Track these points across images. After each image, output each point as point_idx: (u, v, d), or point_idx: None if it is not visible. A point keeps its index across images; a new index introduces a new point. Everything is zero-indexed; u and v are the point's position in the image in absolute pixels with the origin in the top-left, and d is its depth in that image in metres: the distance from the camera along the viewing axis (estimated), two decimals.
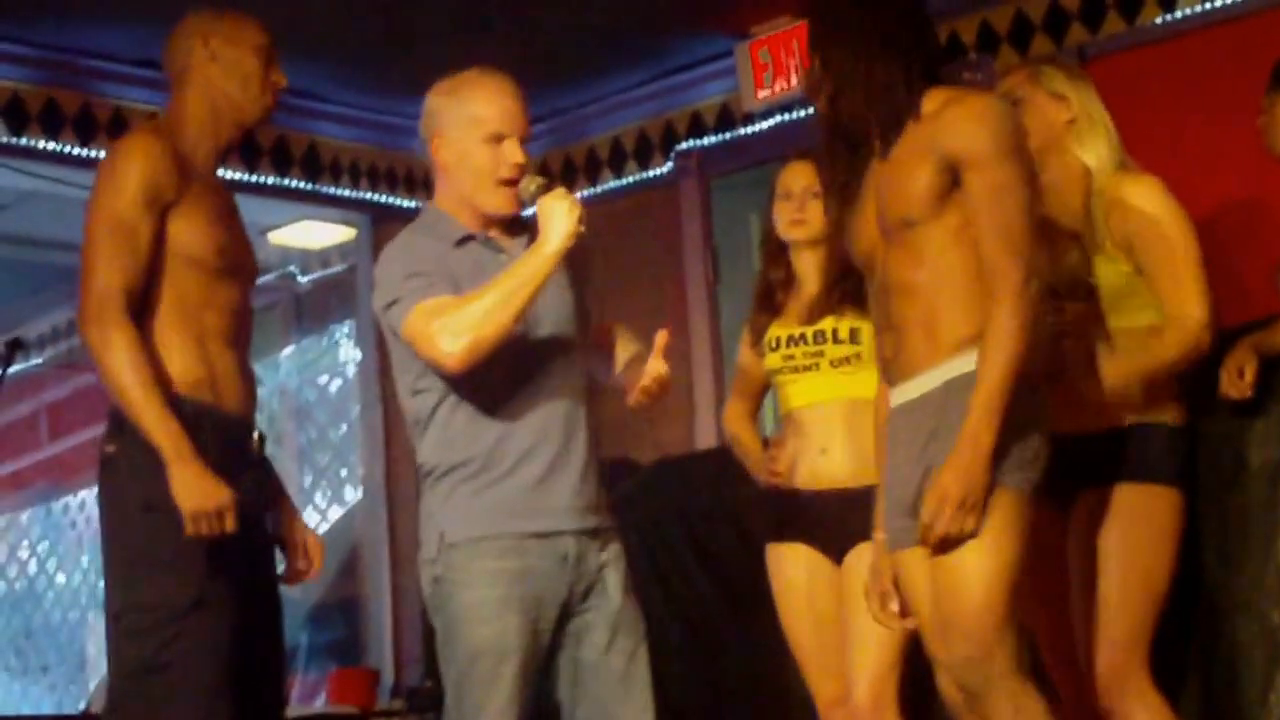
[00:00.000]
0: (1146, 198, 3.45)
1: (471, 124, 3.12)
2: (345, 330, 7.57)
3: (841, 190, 3.13)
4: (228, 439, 3.17)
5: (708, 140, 6.22)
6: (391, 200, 6.66)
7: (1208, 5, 4.87)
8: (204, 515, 2.98)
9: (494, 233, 3.16)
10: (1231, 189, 4.63)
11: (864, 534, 3.39)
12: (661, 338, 3.13)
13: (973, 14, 5.29)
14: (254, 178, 6.03)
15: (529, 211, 3.15)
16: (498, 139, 3.11)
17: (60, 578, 9.13)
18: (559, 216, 3.00)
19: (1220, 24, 4.85)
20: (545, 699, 3.15)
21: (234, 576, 3.10)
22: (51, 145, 5.69)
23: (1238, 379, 3.51)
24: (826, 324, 3.71)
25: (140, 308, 3.13)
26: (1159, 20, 4.96)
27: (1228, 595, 3.70)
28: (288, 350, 7.81)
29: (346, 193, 6.52)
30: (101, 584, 3.18)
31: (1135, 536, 3.37)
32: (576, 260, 3.14)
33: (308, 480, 7.70)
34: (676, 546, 4.90)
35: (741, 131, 6.09)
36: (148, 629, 3.05)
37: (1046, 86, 3.53)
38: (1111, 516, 3.39)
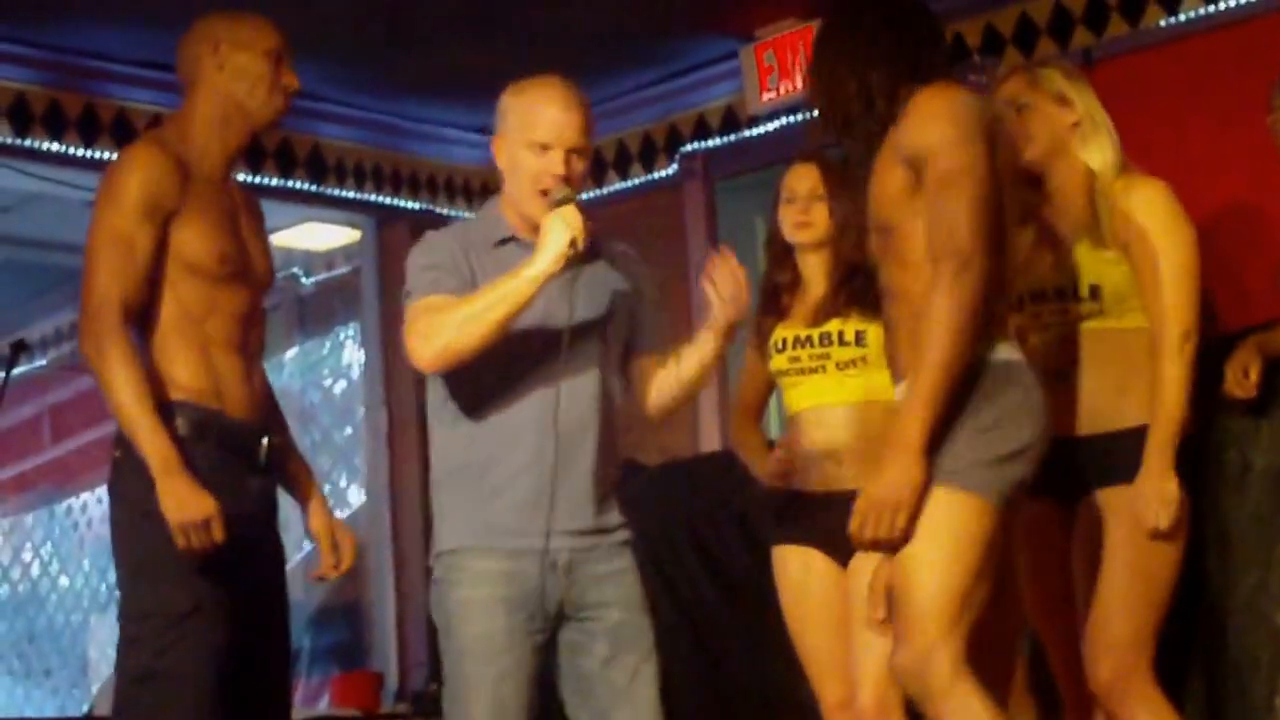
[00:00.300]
0: (1148, 205, 3.44)
1: (523, 129, 3.14)
2: (349, 332, 7.57)
3: (847, 192, 3.12)
4: (233, 445, 3.18)
5: (712, 142, 6.22)
6: (395, 202, 6.66)
7: (1211, 8, 4.87)
8: (190, 526, 2.99)
9: (537, 237, 3.14)
10: (1235, 191, 4.63)
11: None
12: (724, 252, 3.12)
13: (977, 16, 5.29)
14: (258, 180, 6.04)
15: None
16: (544, 148, 3.12)
17: (63, 580, 9.12)
18: (552, 236, 3.00)
19: (1224, 26, 4.85)
20: (555, 703, 3.15)
21: (234, 582, 3.10)
22: (55, 147, 5.69)
23: (1243, 379, 3.51)
24: (832, 326, 3.71)
25: (143, 316, 3.14)
26: (1163, 23, 4.96)
27: (1232, 598, 3.70)
28: (291, 352, 7.81)
29: (350, 195, 6.53)
30: (104, 587, 3.19)
31: (1139, 539, 3.36)
32: (628, 272, 3.19)
33: None
34: (681, 548, 4.90)
35: (746, 134, 6.09)
36: (146, 636, 3.07)
37: (1049, 90, 3.52)
38: (1115, 519, 3.38)
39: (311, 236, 7.08)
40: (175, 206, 3.13)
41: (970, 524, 2.74)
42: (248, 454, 3.21)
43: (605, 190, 6.48)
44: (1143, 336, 3.43)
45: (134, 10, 5.31)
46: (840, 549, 3.64)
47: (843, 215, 3.71)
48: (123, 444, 3.11)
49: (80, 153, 5.72)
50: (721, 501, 4.81)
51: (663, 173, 6.38)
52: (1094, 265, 3.46)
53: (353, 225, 6.94)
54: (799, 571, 3.73)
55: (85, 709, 7.00)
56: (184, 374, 3.14)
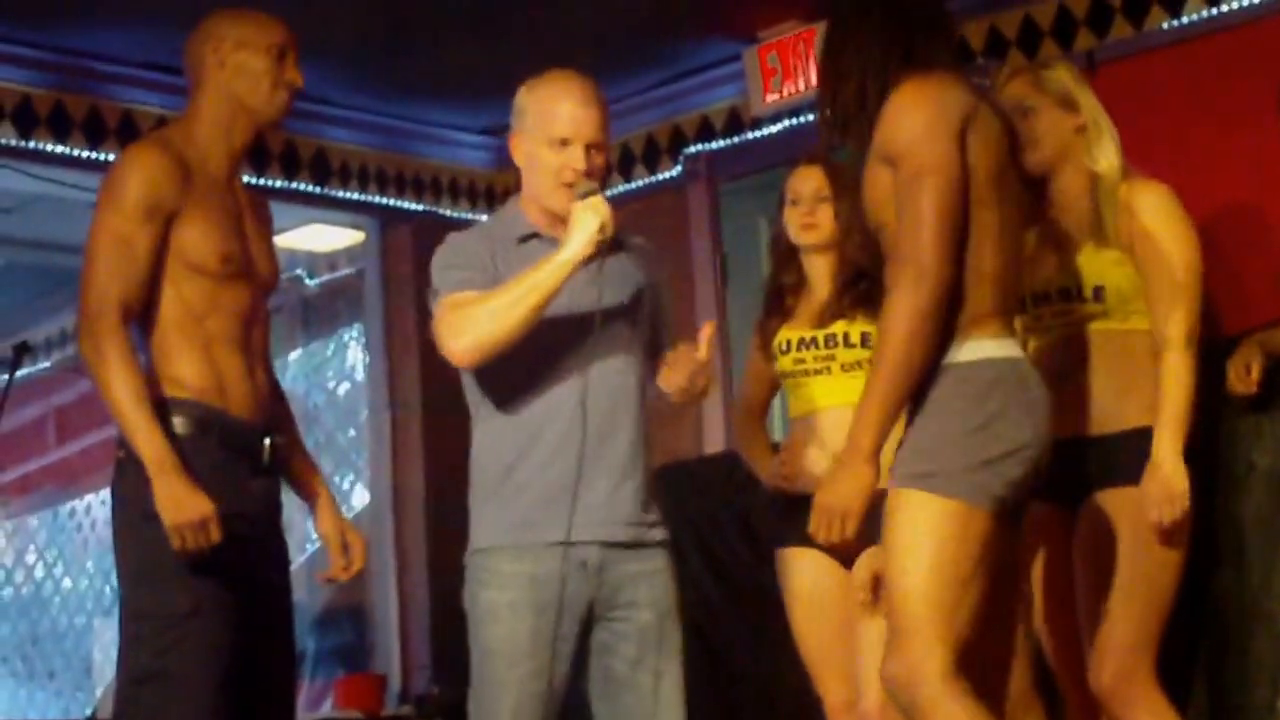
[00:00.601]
0: (1153, 208, 3.45)
1: (541, 125, 3.15)
2: (353, 334, 7.58)
3: (851, 194, 3.11)
4: (235, 444, 3.17)
5: (716, 144, 6.22)
6: (399, 204, 6.66)
7: (1214, 10, 4.87)
8: (186, 527, 2.98)
9: (560, 233, 3.14)
10: (1237, 193, 4.63)
11: (873, 538, 3.39)
12: (708, 328, 3.13)
13: (981, 18, 5.29)
14: (262, 181, 6.04)
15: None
16: (563, 142, 3.13)
17: (67, 583, 9.11)
18: (581, 225, 3.02)
19: (1227, 29, 4.85)
20: (581, 704, 3.15)
21: (237, 583, 3.09)
22: (60, 148, 5.69)
23: (1245, 376, 3.52)
24: (838, 328, 3.72)
25: (144, 315, 3.14)
26: (1166, 25, 4.96)
27: (1236, 600, 3.70)
28: (295, 354, 7.81)
29: (354, 196, 6.53)
30: (108, 589, 3.19)
31: (1142, 541, 3.36)
32: (648, 267, 3.19)
33: None
34: (685, 550, 4.89)
35: (750, 136, 6.09)
36: (147, 636, 3.06)
37: (1055, 92, 3.53)
38: (1118, 521, 3.38)
39: (316, 238, 7.07)
40: (176, 206, 3.13)
41: (955, 531, 2.68)
42: (250, 453, 3.20)
43: (609, 192, 6.45)
44: (1146, 338, 3.44)
45: (139, 12, 5.32)
46: (844, 550, 3.64)
47: (848, 217, 3.71)
48: (126, 444, 3.10)
49: (85, 155, 5.72)
50: (725, 503, 4.81)
51: (667, 174, 6.38)
52: (1097, 267, 3.46)
53: (357, 227, 6.94)
54: (803, 573, 3.73)
55: (89, 712, 7.00)
56: (186, 372, 3.13)
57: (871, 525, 3.20)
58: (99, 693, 7.43)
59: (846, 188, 3.68)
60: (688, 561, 4.88)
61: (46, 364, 8.47)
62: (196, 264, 3.15)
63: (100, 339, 3.06)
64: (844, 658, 3.67)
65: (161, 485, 3.00)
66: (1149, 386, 3.39)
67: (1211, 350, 3.53)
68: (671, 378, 3.12)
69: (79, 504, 8.96)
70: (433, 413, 6.59)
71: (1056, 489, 3.25)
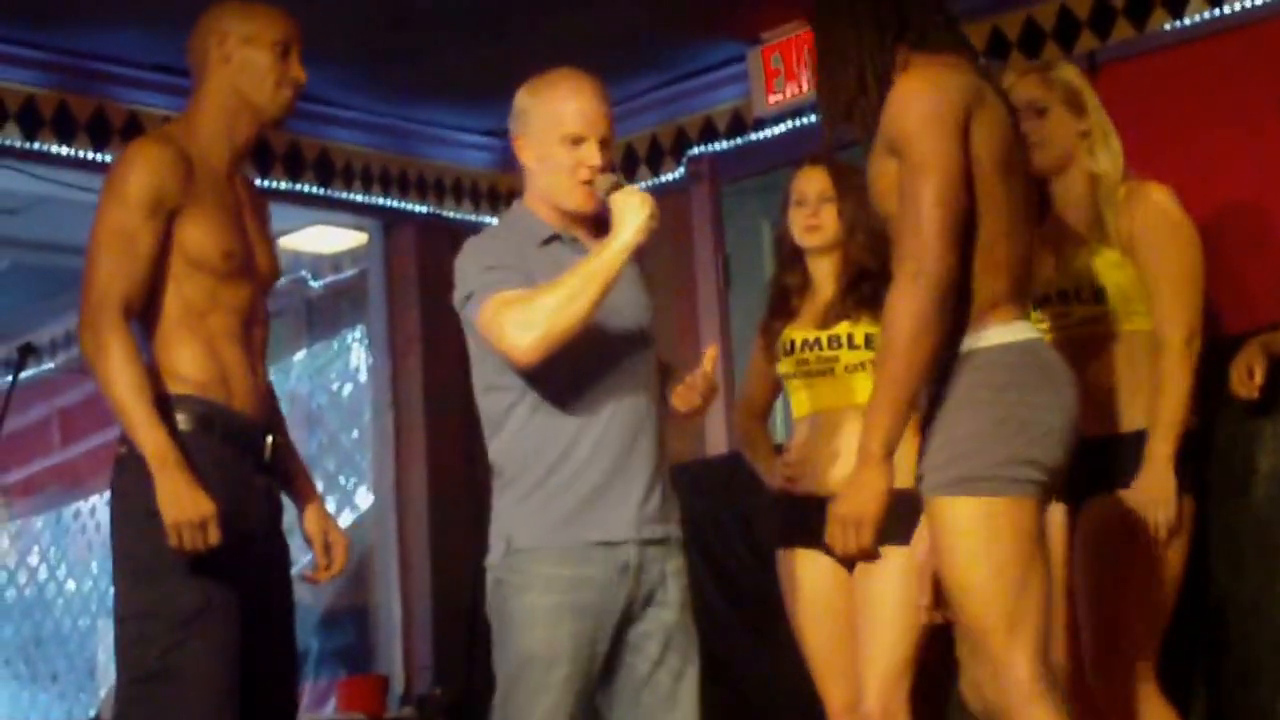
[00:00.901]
0: (1154, 209, 3.46)
1: (551, 125, 3.13)
2: (357, 335, 7.58)
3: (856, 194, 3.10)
4: (239, 439, 3.16)
5: (719, 145, 6.22)
6: (403, 205, 6.67)
7: (1217, 11, 4.87)
8: (185, 526, 2.97)
9: (578, 232, 3.16)
10: (1239, 195, 4.62)
11: (888, 538, 3.40)
12: (712, 350, 3.17)
13: (983, 20, 5.29)
14: (267, 183, 6.05)
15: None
16: (576, 140, 3.12)
17: (70, 584, 9.12)
18: (632, 211, 3.01)
19: (1229, 30, 4.85)
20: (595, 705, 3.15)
21: (243, 581, 3.08)
22: (65, 150, 5.68)
23: (1247, 379, 3.52)
24: (841, 329, 3.72)
25: (146, 311, 3.13)
26: (1168, 27, 4.95)
27: (1235, 601, 3.70)
28: (299, 355, 7.82)
29: (358, 198, 6.53)
30: (112, 590, 3.18)
31: (1143, 542, 3.36)
32: (644, 264, 3.16)
33: (319, 485, 7.70)
34: (687, 551, 4.89)
35: (753, 137, 6.09)
36: (154, 635, 3.03)
37: (1064, 94, 3.53)
38: (1119, 522, 3.38)
39: (319, 239, 7.08)
40: (179, 202, 3.11)
41: (1004, 531, 2.65)
42: (253, 450, 3.19)
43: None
44: (1147, 339, 3.44)
45: (144, 13, 5.32)
46: (860, 556, 3.64)
47: (852, 218, 3.71)
48: (128, 441, 3.09)
49: (90, 156, 5.72)
50: (726, 504, 4.81)
51: (670, 176, 6.37)
52: (1098, 268, 3.47)
53: (360, 228, 6.95)
54: (805, 575, 3.73)
55: (91, 714, 7.01)
56: (189, 367, 3.11)
57: (886, 525, 3.19)
58: (102, 695, 7.43)
59: (850, 188, 3.69)
60: (689, 562, 4.89)
61: (51, 365, 8.48)
62: (199, 260, 3.14)
63: (102, 333, 3.04)
64: (846, 659, 3.67)
65: (164, 481, 2.98)
66: (1150, 388, 3.40)
67: (1214, 352, 3.53)
68: (688, 397, 3.16)
69: (83, 505, 8.97)
70: (436, 414, 6.59)
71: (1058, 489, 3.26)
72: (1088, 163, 3.52)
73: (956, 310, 2.70)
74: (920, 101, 2.70)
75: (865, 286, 3.67)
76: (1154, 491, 3.31)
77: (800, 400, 3.80)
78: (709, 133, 6.24)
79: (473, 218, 6.73)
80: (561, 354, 2.99)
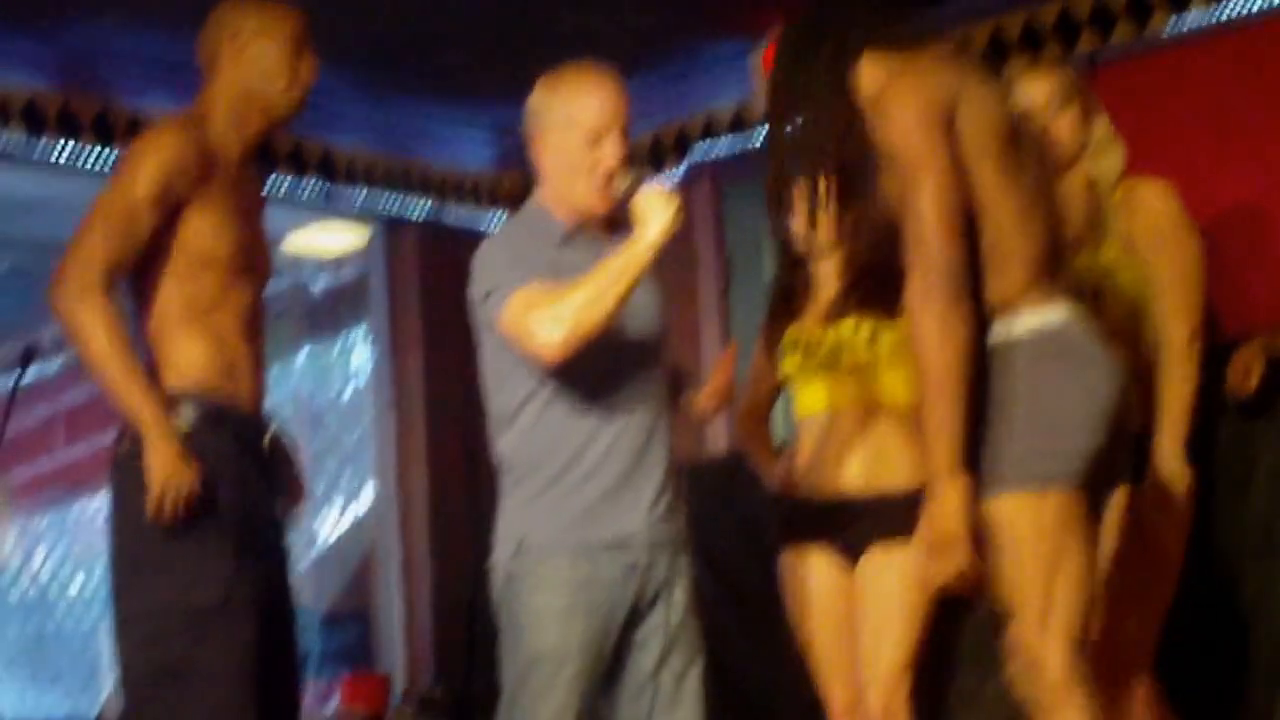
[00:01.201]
0: (1154, 209, 3.47)
1: (569, 123, 3.11)
2: (359, 335, 7.59)
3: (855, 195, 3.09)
4: (245, 437, 3.16)
5: (721, 146, 6.23)
6: (404, 206, 6.68)
7: (1218, 13, 4.88)
8: (173, 490, 2.95)
9: (594, 230, 3.15)
10: (1239, 196, 4.63)
11: (878, 540, 3.41)
12: (730, 352, 3.20)
13: (984, 21, 5.30)
14: (268, 183, 6.05)
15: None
16: (595, 137, 3.09)
17: (74, 584, 9.13)
18: (656, 210, 2.99)
19: (1231, 31, 4.85)
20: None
21: (257, 578, 3.08)
22: (68, 151, 5.70)
23: (1244, 376, 3.52)
24: (845, 328, 3.72)
25: (143, 311, 3.12)
26: (1169, 28, 4.96)
27: (1235, 601, 3.70)
28: (301, 355, 7.83)
29: (360, 198, 6.54)
30: (111, 590, 3.16)
31: (1141, 543, 3.37)
32: (656, 265, 3.14)
33: (321, 486, 7.72)
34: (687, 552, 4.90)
35: (755, 137, 6.10)
36: (170, 632, 3.00)
37: (1074, 97, 3.53)
38: (1118, 521, 3.38)
39: (321, 240, 7.09)
40: (187, 195, 3.09)
41: (1031, 523, 2.65)
42: (257, 448, 3.19)
43: None
44: (1147, 340, 3.45)
45: (149, 13, 5.32)
46: (848, 552, 3.64)
47: (853, 218, 3.72)
48: (131, 438, 3.06)
49: (93, 157, 5.73)
50: (728, 506, 4.81)
51: (671, 176, 6.38)
52: (1098, 268, 3.47)
53: (362, 229, 6.96)
54: (807, 575, 3.72)
55: (95, 714, 7.02)
56: (196, 363, 3.10)
57: (878, 525, 3.19)
58: (105, 694, 7.44)
59: (852, 192, 3.69)
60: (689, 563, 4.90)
61: (55, 366, 8.49)
62: (208, 256, 3.12)
63: (88, 294, 3.00)
64: (847, 659, 3.67)
65: (160, 444, 2.96)
66: (1150, 389, 3.40)
67: (1214, 355, 3.54)
68: (708, 405, 3.21)
69: (87, 505, 8.97)
70: (437, 414, 6.60)
71: None
72: (1088, 164, 3.53)
73: (976, 309, 2.69)
74: (900, 106, 2.70)
75: (867, 285, 3.66)
76: (1165, 491, 3.32)
77: (803, 400, 3.80)
78: (711, 133, 6.25)
79: (474, 219, 6.73)
80: (578, 353, 2.98)
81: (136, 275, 3.15)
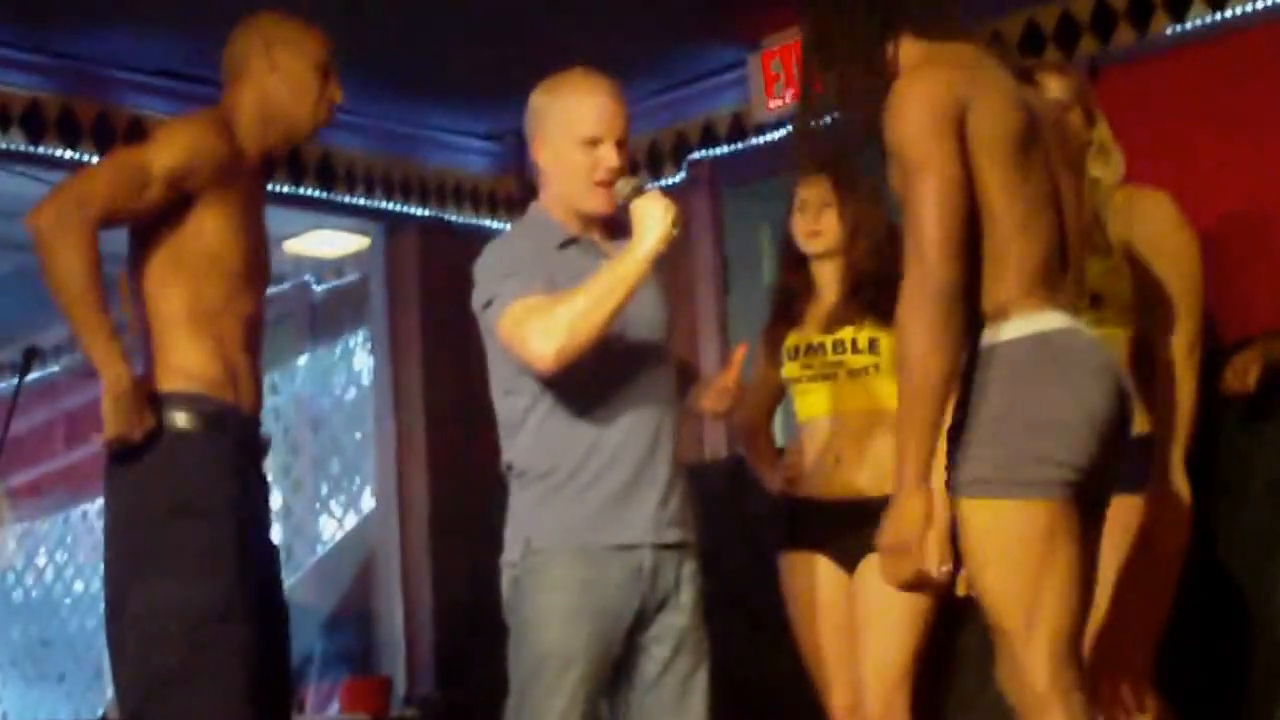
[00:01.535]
0: (1153, 215, 3.46)
1: (568, 127, 3.10)
2: (360, 339, 7.59)
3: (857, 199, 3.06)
4: (246, 439, 3.17)
5: (719, 150, 6.24)
6: (405, 209, 6.68)
7: (1218, 15, 4.88)
8: (123, 443, 2.98)
9: (596, 235, 3.15)
10: (1240, 199, 4.63)
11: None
12: (740, 351, 3.20)
13: (984, 23, 5.30)
14: (269, 187, 6.06)
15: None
16: (594, 142, 3.10)
17: (77, 586, 9.14)
18: (654, 218, 2.99)
19: (1231, 34, 4.86)
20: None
21: (260, 583, 3.08)
22: (69, 154, 5.71)
23: (1242, 377, 3.52)
24: (846, 333, 3.72)
25: (144, 311, 3.12)
26: (1169, 31, 4.96)
27: (1235, 606, 3.70)
28: (303, 359, 7.84)
29: (360, 202, 6.54)
30: (110, 591, 3.16)
31: (1140, 549, 3.37)
32: (661, 268, 3.14)
33: (323, 489, 7.72)
34: None
35: (753, 141, 6.10)
36: (174, 634, 2.99)
37: (1080, 100, 3.53)
38: (1118, 528, 3.37)
39: (321, 243, 7.10)
40: (202, 190, 3.07)
41: (1012, 533, 2.59)
42: (255, 452, 3.20)
43: None
44: (1144, 346, 3.45)
45: (148, 18, 5.33)
46: (847, 555, 3.65)
47: (853, 223, 3.72)
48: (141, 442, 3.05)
49: (94, 160, 5.74)
50: (728, 508, 4.81)
51: (669, 180, 6.38)
52: (1097, 275, 3.47)
53: (362, 232, 6.96)
54: (806, 578, 3.74)
55: (99, 714, 7.02)
56: (199, 366, 3.09)
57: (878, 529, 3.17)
58: (109, 695, 7.45)
59: (852, 194, 3.70)
60: None
61: (56, 368, 8.50)
62: (221, 260, 3.12)
63: (78, 223, 2.95)
64: (847, 661, 3.67)
65: (120, 397, 2.95)
66: (1149, 394, 3.40)
67: (1212, 360, 3.54)
68: (716, 403, 3.19)
69: (89, 507, 8.97)
70: (437, 417, 6.60)
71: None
72: (1090, 168, 3.52)
73: (971, 315, 2.65)
74: (910, 105, 2.63)
75: (868, 291, 3.67)
76: (1169, 499, 3.32)
77: (804, 404, 3.80)
78: (709, 137, 6.26)
79: (474, 221, 6.74)
80: (582, 359, 2.98)
81: (140, 275, 3.15)
